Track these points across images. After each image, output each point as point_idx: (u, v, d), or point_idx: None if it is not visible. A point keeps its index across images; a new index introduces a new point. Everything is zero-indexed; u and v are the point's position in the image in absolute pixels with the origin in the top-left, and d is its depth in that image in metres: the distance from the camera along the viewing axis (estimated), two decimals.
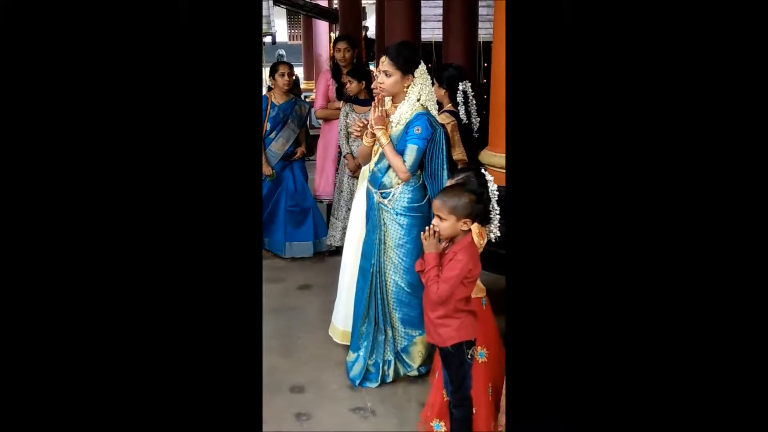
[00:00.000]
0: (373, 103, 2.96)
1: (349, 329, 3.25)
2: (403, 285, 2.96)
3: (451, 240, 2.31)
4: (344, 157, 4.40)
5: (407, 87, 2.91)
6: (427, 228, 2.30)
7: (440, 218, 2.27)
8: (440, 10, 6.31)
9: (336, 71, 4.82)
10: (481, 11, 6.54)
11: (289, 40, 23.39)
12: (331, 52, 6.52)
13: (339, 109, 4.59)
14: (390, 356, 3.06)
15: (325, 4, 11.65)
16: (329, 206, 4.84)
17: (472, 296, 2.38)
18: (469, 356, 2.33)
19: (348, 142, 4.33)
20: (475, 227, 2.34)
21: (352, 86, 4.39)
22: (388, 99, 2.99)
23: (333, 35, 10.59)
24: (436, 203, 2.30)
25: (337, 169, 4.67)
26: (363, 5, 10.63)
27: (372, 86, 3.82)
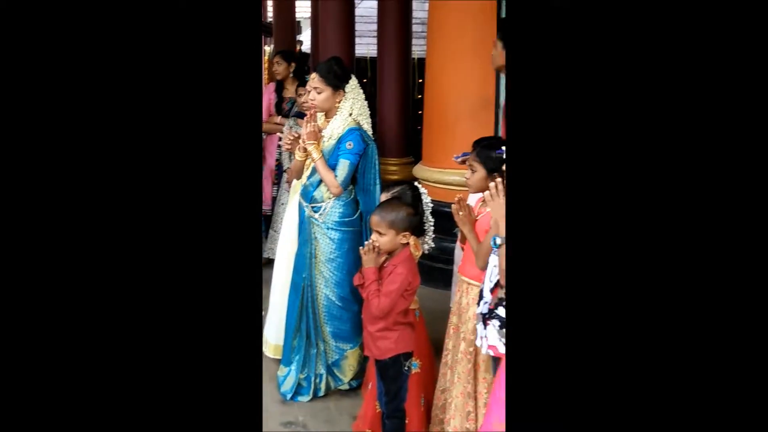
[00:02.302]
0: (305, 118, 2.99)
1: (281, 343, 3.24)
2: (334, 299, 2.97)
3: (390, 253, 2.34)
4: (285, 171, 4.43)
5: (339, 102, 2.94)
6: (366, 243, 2.32)
7: (379, 233, 2.30)
8: (375, 26, 6.37)
9: (278, 86, 4.86)
10: (416, 28, 6.65)
11: None
12: (267, 66, 6.52)
13: (278, 123, 4.64)
14: (322, 370, 3.06)
15: None
16: (267, 218, 4.81)
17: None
18: (406, 368, 2.36)
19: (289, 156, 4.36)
20: (411, 239, 2.38)
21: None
22: (320, 114, 3.01)
23: (267, 48, 10.54)
24: (375, 219, 2.32)
25: (274, 182, 4.70)
26: (297, 19, 10.62)
27: (302, 101, 3.86)
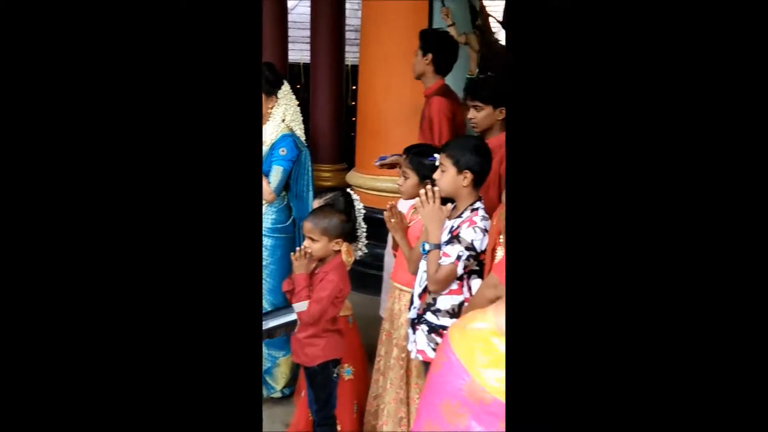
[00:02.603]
0: None
1: None
2: (266, 306, 2.95)
3: (322, 260, 2.33)
4: None
5: (271, 108, 2.92)
6: (298, 249, 2.31)
7: (312, 240, 2.29)
8: (308, 32, 6.36)
9: None
10: (349, 35, 6.67)
11: None
12: None
13: None
14: None
15: None
16: None
17: (339, 314, 2.42)
18: (335, 375, 2.36)
19: None
20: (343, 246, 2.38)
21: None
22: None
23: None
24: (308, 225, 2.31)
25: None
26: None
27: None
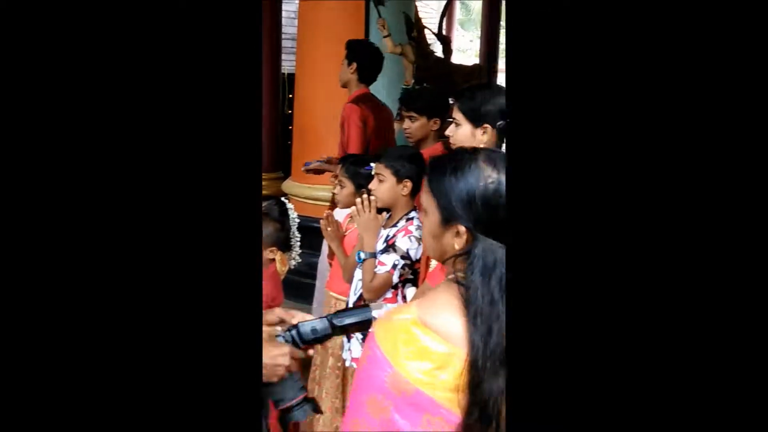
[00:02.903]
0: None
1: None
2: None
3: None
4: None
5: None
6: None
7: None
8: None
9: None
10: (285, 44, 6.65)
11: None
12: None
13: None
14: None
15: None
16: None
17: None
18: None
19: None
20: (278, 255, 2.37)
21: None
22: None
23: None
24: None
25: None
26: None
27: None
